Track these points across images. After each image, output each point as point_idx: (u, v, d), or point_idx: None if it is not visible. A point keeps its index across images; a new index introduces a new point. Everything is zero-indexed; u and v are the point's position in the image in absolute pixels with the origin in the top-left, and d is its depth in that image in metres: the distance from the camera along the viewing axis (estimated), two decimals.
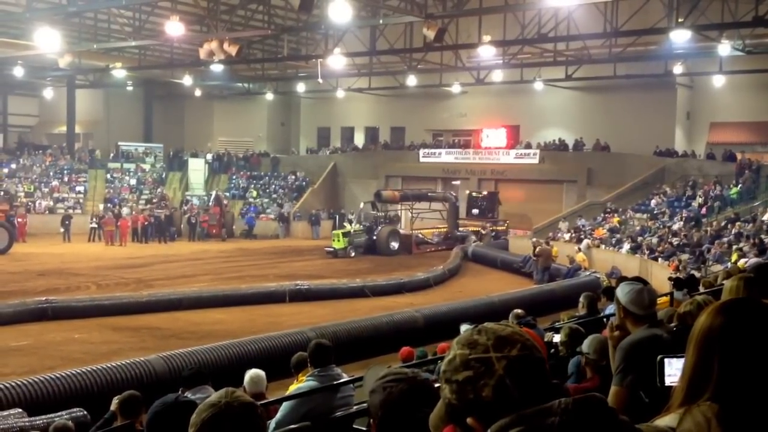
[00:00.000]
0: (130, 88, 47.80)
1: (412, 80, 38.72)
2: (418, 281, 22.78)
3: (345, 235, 30.96)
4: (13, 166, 42.92)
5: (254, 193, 43.84)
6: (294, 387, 5.99)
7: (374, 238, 31.53)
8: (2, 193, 36.34)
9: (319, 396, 5.44)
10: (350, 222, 34.69)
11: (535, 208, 36.62)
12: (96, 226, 35.18)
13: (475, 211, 38.21)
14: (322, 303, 19.02)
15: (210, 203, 40.01)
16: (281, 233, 39.64)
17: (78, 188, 42.53)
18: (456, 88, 40.54)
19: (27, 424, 7.84)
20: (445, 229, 35.17)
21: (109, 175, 43.97)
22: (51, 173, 43.17)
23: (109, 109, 49.75)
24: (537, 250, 25.07)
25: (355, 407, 5.56)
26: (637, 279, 3.77)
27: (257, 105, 50.01)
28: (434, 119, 44.42)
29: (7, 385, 9.19)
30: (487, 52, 30.88)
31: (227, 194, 42.87)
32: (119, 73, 38.78)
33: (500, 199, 38.54)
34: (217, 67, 35.28)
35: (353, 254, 30.29)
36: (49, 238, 34.30)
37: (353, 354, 11.73)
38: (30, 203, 39.24)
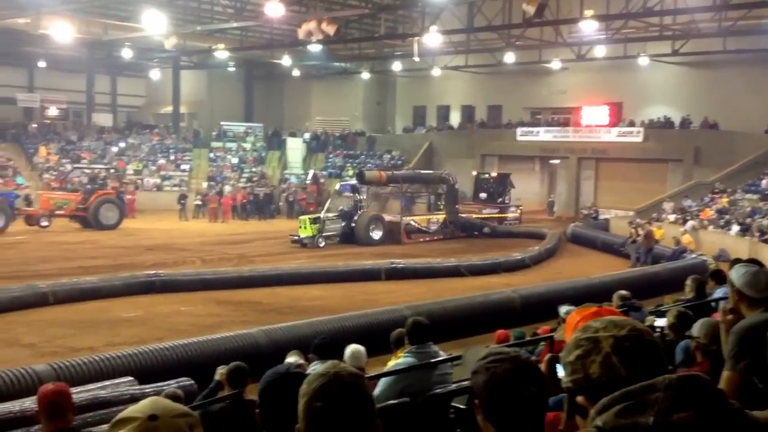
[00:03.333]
0: (231, 69, 49.02)
1: (510, 57, 38.08)
2: (514, 261, 22.52)
3: (314, 221, 26.78)
4: (123, 144, 44.78)
5: (350, 172, 44.26)
6: (392, 363, 6.04)
7: (353, 225, 27.54)
8: (113, 171, 38.03)
9: (417, 373, 5.45)
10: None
11: (637, 187, 35.46)
12: (200, 203, 36.43)
13: (483, 195, 35.21)
14: (417, 281, 19.07)
15: (307, 182, 40.69)
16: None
17: (183, 166, 44.02)
18: (556, 65, 39.64)
19: (138, 392, 8.18)
20: (443, 216, 30.88)
21: (212, 154, 45.31)
22: (158, 152, 44.84)
23: (212, 89, 51.14)
24: (639, 231, 24.35)
25: (453, 385, 5.56)
26: (752, 261, 3.59)
27: (354, 84, 50.33)
28: (532, 97, 43.60)
29: (119, 354, 9.61)
30: (589, 27, 30.03)
31: (324, 173, 43.46)
32: (221, 54, 39.80)
33: (512, 181, 35.70)
34: (315, 47, 35.69)
35: (323, 244, 26.39)
36: (156, 214, 35.69)
37: (448, 333, 11.70)
38: (138, 181, 40.90)
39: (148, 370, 9.24)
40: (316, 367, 4.88)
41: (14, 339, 12.35)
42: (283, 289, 17.39)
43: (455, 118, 48.22)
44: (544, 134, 40.95)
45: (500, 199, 34.70)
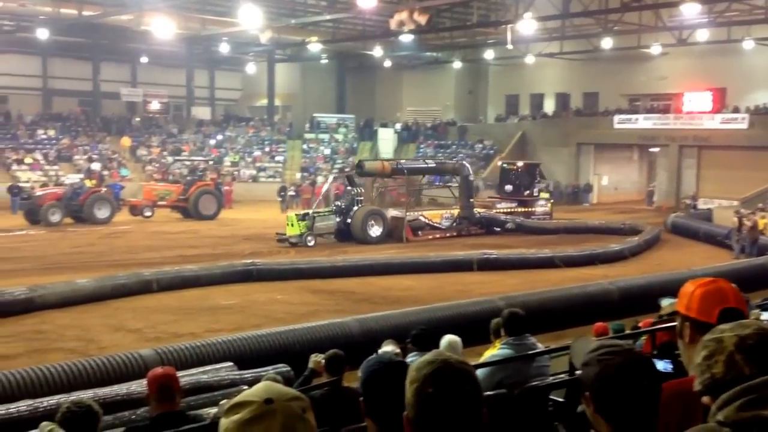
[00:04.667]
0: (324, 61, 49.61)
1: (607, 43, 37.06)
2: (611, 252, 21.93)
3: (302, 218, 24.07)
4: (220, 137, 46.04)
5: None
6: (488, 353, 5.98)
7: (349, 221, 24.65)
8: (212, 162, 39.17)
9: (514, 364, 5.38)
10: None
11: (741, 176, 33.92)
12: (294, 194, 37.10)
13: (509, 187, 31.69)
14: (510, 272, 18.83)
15: None
16: None
17: (277, 158, 44.91)
18: (656, 50, 38.37)
19: (237, 377, 8.41)
20: (458, 211, 27.58)
21: (305, 146, 46.04)
22: (253, 144, 45.89)
23: (305, 81, 51.93)
24: (744, 221, 23.30)
25: (551, 378, 5.45)
26: None
27: (445, 74, 50.10)
28: (630, 83, 42.33)
29: (219, 340, 9.88)
30: (690, 11, 28.87)
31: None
32: (314, 46, 40.36)
33: (542, 171, 32.64)
34: (406, 38, 35.69)
35: (312, 243, 23.67)
36: (253, 205, 36.55)
37: (543, 325, 11.51)
38: (235, 172, 41.99)
39: (246, 356, 9.45)
40: (414, 357, 4.88)
41: (121, 324, 12.88)
42: (376, 279, 17.50)
43: (549, 107, 47.36)
44: (643, 122, 39.70)
45: (527, 192, 31.18)
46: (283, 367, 8.52)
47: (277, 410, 1.39)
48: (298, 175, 41.29)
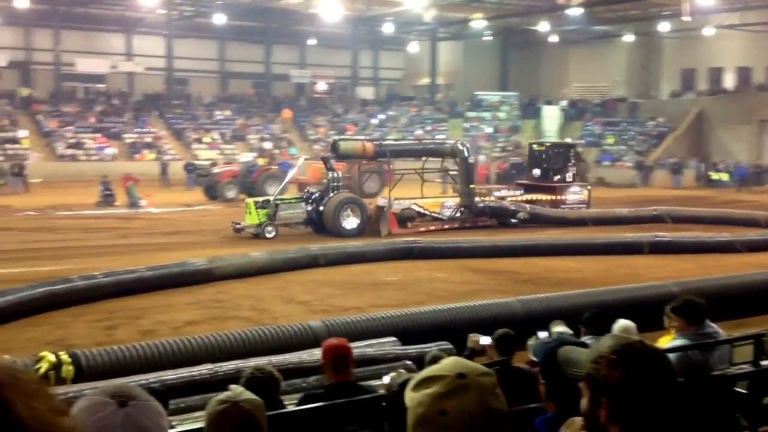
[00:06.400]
0: (487, 38, 49.08)
1: None
2: None
3: (261, 205, 20.94)
4: (383, 116, 46.77)
5: (610, 140, 42.55)
6: (664, 341, 5.69)
7: (321, 209, 21.22)
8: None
9: (694, 353, 5.09)
10: None
11: None
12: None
13: (537, 171, 27.19)
14: (684, 257, 17.86)
15: None
16: (638, 182, 38.06)
17: (439, 137, 45.02)
18: None
19: (401, 352, 8.54)
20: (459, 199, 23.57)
21: (466, 124, 45.86)
22: (415, 123, 46.26)
23: (468, 59, 51.62)
24: None
25: (733, 368, 5.12)
26: None
27: (615, 48, 48.11)
28: None
29: (384, 315, 10.07)
30: None
31: (581, 141, 42.18)
32: (478, 23, 39.98)
33: (579, 153, 28.26)
34: (574, 11, 34.53)
35: (272, 234, 20.56)
36: (413, 183, 36.81)
37: (721, 313, 10.83)
38: None
39: (409, 332, 9.55)
40: (589, 341, 4.72)
41: (291, 296, 13.44)
42: (540, 260, 17.16)
43: (729, 81, 44.35)
44: None
45: (557, 177, 26.49)
46: (446, 345, 8.54)
47: (471, 385, 1.37)
48: None
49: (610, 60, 48.41)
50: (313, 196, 21.53)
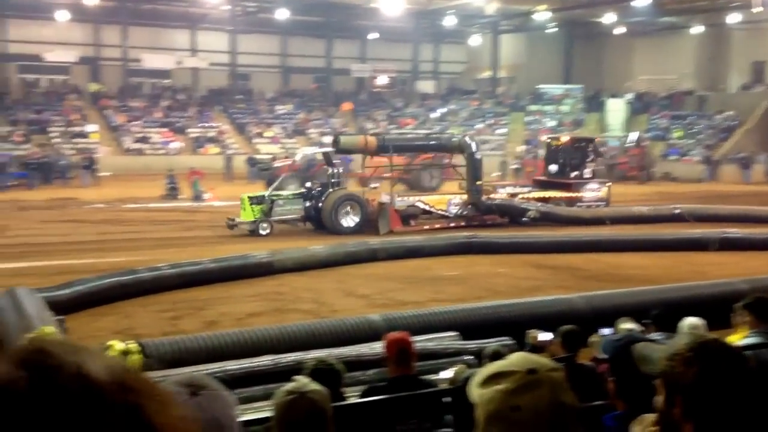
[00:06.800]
0: (551, 31, 48.43)
1: None
2: None
3: (256, 201, 20.27)
4: (443, 110, 46.59)
5: (677, 134, 41.55)
6: (735, 338, 5.52)
7: (320, 206, 20.49)
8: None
9: (766, 351, 4.91)
10: None
11: None
12: (518, 167, 36.75)
13: (554, 167, 25.88)
14: (755, 254, 17.33)
15: (627, 144, 39.02)
16: (706, 177, 37.09)
17: (500, 131, 44.66)
18: None
19: (461, 347, 8.50)
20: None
21: (528, 118, 45.36)
22: (476, 117, 45.97)
23: (531, 52, 51.01)
24: None
25: None
26: None
27: (682, 40, 46.91)
28: None
29: (443, 310, 10.04)
30: None
31: (647, 135, 41.33)
32: (541, 15, 39.44)
33: (598, 148, 26.85)
34: (641, 3, 33.81)
35: (266, 231, 19.82)
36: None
37: None
38: None
39: (469, 327, 9.50)
40: (658, 338, 4.61)
41: (351, 290, 13.52)
42: (603, 256, 16.88)
43: None
44: None
45: (574, 173, 25.18)
46: (508, 340, 8.47)
47: (542, 380, 1.35)
48: (521, 149, 40.80)
49: (677, 52, 47.22)
50: (312, 192, 20.82)
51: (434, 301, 12.17)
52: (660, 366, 1.60)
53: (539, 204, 22.53)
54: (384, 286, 13.77)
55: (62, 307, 10.49)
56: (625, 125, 43.70)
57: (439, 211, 21.95)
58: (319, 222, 20.52)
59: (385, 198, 21.35)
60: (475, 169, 22.34)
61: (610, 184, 25.87)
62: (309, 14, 45.69)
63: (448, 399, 4.42)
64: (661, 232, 19.38)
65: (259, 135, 43.01)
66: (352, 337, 8.76)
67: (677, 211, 22.31)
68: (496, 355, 6.68)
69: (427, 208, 21.88)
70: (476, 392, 1.39)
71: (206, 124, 43.03)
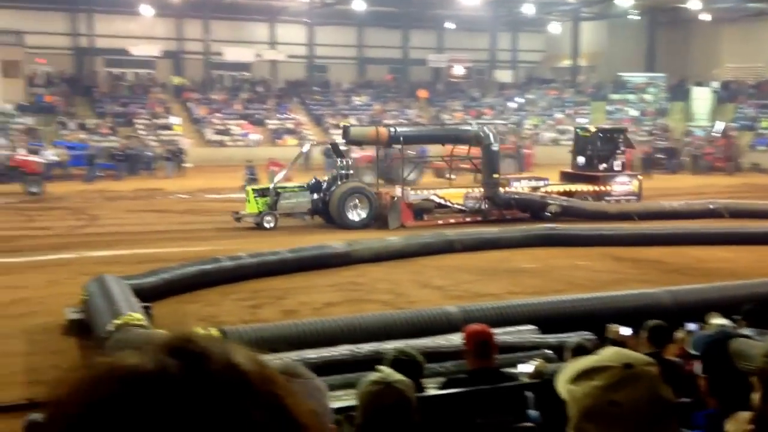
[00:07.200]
0: (633, 17, 47.16)
1: None
2: None
3: (260, 194, 19.82)
4: (521, 99, 46.00)
5: (765, 123, 39.96)
6: None
7: (327, 199, 19.95)
8: (512, 125, 39.37)
9: None
10: None
11: None
12: None
13: (581, 159, 24.43)
14: None
15: (713, 134, 37.75)
16: None
17: (580, 120, 43.80)
18: None
19: (540, 340, 8.39)
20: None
21: (610, 107, 44.35)
22: (555, 106, 45.21)
23: (612, 40, 49.79)
24: None
25: None
26: None
27: None
28: None
29: (521, 302, 9.94)
30: None
31: (734, 125, 39.86)
32: (623, 2, 38.46)
33: (629, 139, 25.20)
34: None
35: (271, 224, 19.40)
36: (553, 168, 36.02)
37: None
38: (535, 135, 41.77)
39: (547, 320, 9.37)
40: (752, 333, 4.45)
41: (427, 281, 13.52)
42: (688, 249, 16.38)
43: None
44: None
45: (603, 165, 23.76)
46: (587, 334, 8.31)
47: (640, 375, 1.32)
48: None
49: (765, 39, 45.29)
50: (321, 185, 20.29)
51: (511, 294, 12.07)
52: (758, 363, 1.54)
53: (561, 198, 21.51)
54: (460, 278, 13.72)
55: (148, 295, 10.83)
56: (711, 114, 42.23)
57: (456, 205, 21.04)
58: (327, 215, 20.00)
59: (394, 191, 20.47)
60: (491, 161, 21.33)
61: (642, 177, 24.63)
62: (385, 5, 45.73)
63: (530, 393, 4.36)
64: (748, 225, 18.69)
65: (336, 126, 43.31)
66: (428, 329, 8.75)
67: (713, 207, 21.11)
68: (580, 349, 6.56)
69: (442, 201, 20.98)
70: (568, 388, 1.36)
71: (284, 116, 43.64)
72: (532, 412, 4.28)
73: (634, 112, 43.85)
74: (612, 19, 47.88)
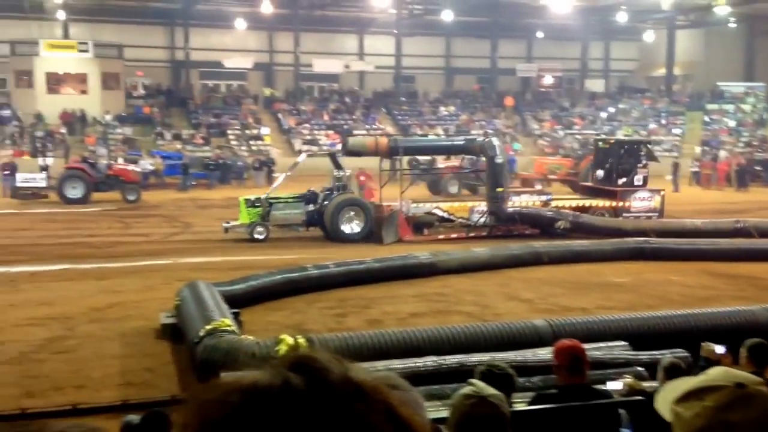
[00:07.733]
0: (731, 25, 45.52)
1: None
2: None
3: (253, 204, 19.26)
4: (613, 109, 44.97)
5: None
6: None
7: (323, 211, 19.37)
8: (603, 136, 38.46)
9: None
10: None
11: None
12: (696, 169, 34.86)
13: (600, 172, 23.13)
14: None
15: None
16: None
17: (675, 131, 42.52)
18: None
19: (632, 357, 8.14)
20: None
21: (707, 117, 42.88)
22: (649, 116, 44.02)
23: (709, 48, 48.19)
24: None
25: None
26: None
27: None
28: None
29: (612, 318, 9.67)
30: None
31: None
32: (721, 10, 37.17)
33: (652, 151, 23.60)
34: None
35: (262, 236, 18.89)
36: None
37: None
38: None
39: (639, 337, 9.09)
40: None
41: (514, 294, 13.32)
42: None
43: None
44: None
45: (623, 179, 22.44)
46: (681, 352, 8.02)
47: (753, 395, 1.26)
48: (698, 149, 38.59)
49: None
50: (317, 196, 19.83)
51: (602, 309, 11.77)
52: None
53: (571, 213, 20.25)
54: (548, 291, 13.47)
55: (237, 301, 11.06)
56: None
57: (461, 219, 20.22)
58: (323, 227, 19.53)
59: (392, 204, 19.73)
60: (495, 174, 20.21)
61: (664, 192, 23.19)
62: (474, 15, 45.58)
63: (623, 411, 4.22)
64: None
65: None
66: (515, 342, 8.61)
67: (740, 225, 19.67)
68: (673, 368, 6.33)
69: (446, 215, 20.24)
70: (675, 408, 1.30)
71: (371, 126, 43.99)
72: (625, 431, 4.14)
73: (731, 123, 42.24)
74: (708, 27, 46.35)
